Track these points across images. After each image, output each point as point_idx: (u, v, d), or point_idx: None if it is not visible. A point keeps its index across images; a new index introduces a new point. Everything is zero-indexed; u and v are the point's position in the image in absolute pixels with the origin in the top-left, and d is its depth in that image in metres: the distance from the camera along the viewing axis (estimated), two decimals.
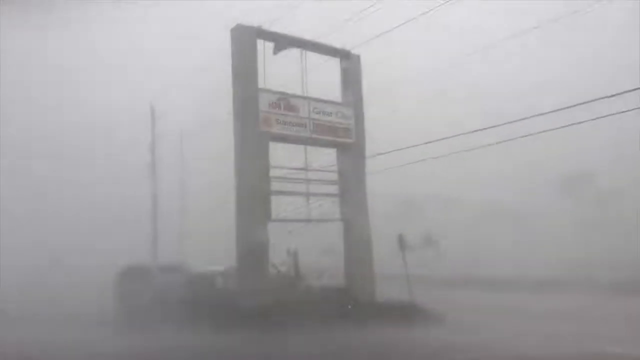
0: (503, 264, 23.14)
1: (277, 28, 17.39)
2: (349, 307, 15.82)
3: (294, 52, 17.68)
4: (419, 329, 14.43)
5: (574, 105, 13.75)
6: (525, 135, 14.89)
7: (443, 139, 16.34)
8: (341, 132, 17.99)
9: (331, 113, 17.91)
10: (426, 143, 16.97)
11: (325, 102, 17.92)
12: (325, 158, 18.48)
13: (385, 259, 17.89)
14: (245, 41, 16.76)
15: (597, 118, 13.55)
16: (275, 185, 16.74)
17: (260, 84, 16.70)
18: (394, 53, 24.74)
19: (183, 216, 32.16)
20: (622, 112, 13.08)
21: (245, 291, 15.97)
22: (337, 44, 18.22)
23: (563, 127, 14.12)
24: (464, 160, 20.59)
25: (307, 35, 17.93)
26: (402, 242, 17.52)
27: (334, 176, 18.29)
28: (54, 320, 17.35)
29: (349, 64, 18.59)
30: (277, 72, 17.21)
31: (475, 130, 15.59)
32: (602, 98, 13.27)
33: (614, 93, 13.08)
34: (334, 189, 18.13)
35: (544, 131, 14.37)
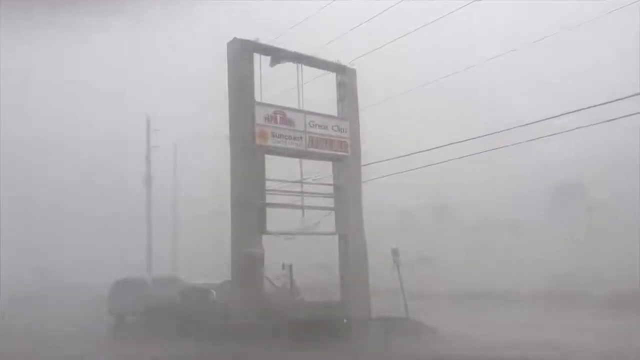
0: (496, 276, 23.09)
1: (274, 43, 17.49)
2: (344, 321, 15.71)
3: (290, 66, 17.72)
4: (413, 343, 14.37)
5: (568, 113, 13.78)
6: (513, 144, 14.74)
7: (435, 148, 16.31)
8: (337, 146, 17.97)
9: (327, 126, 17.89)
10: (414, 153, 16.93)
11: (321, 115, 17.90)
12: (322, 171, 18.46)
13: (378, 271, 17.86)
14: (242, 55, 16.79)
15: (590, 125, 13.51)
16: (270, 198, 16.70)
17: (257, 97, 16.72)
18: (391, 65, 24.92)
19: (178, 229, 32.04)
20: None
21: (240, 305, 15.85)
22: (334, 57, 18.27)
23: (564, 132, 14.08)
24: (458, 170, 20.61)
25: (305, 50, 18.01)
26: (395, 256, 17.40)
27: (330, 189, 18.26)
28: (46, 332, 17.19)
29: (345, 78, 18.65)
30: (274, 85, 17.26)
31: (467, 140, 15.54)
32: (596, 105, 13.23)
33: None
34: (329, 202, 18.08)
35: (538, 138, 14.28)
